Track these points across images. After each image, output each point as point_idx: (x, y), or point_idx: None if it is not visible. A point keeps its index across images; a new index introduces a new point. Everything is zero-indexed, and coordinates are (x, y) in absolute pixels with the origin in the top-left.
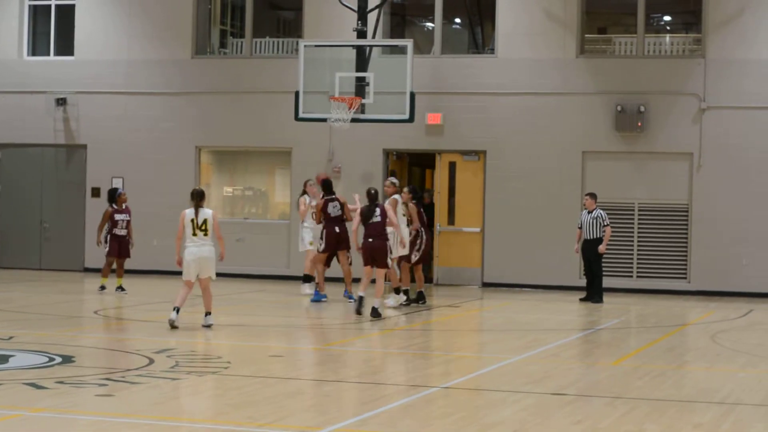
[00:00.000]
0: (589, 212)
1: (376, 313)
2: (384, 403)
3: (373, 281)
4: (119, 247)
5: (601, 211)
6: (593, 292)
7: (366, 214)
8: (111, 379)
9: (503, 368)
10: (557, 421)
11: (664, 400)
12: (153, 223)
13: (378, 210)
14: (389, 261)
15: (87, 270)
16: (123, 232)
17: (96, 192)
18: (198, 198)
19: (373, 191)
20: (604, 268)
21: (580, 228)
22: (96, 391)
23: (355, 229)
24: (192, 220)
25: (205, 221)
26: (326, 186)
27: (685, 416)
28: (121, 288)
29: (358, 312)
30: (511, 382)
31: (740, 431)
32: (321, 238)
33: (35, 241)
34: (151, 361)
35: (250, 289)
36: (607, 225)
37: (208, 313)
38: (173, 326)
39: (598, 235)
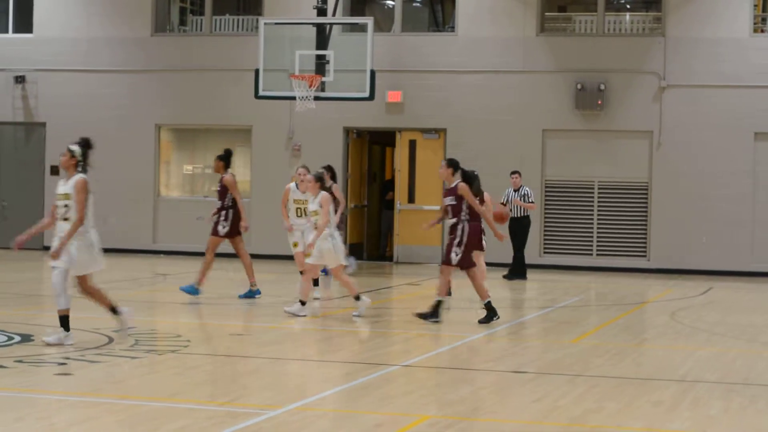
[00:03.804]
0: (515, 190)
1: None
2: (344, 382)
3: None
4: None
5: (528, 189)
6: (518, 268)
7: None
8: (70, 358)
9: (463, 346)
10: (517, 399)
11: (623, 377)
12: (112, 201)
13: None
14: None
15: (46, 248)
16: None
17: (55, 170)
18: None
19: (475, 172)
20: (560, 246)
21: (504, 204)
22: (55, 369)
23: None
24: None
25: None
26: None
27: (645, 394)
28: None
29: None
30: (470, 360)
31: (699, 408)
32: (226, 219)
33: None
34: (111, 340)
35: None
36: (533, 202)
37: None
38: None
39: (525, 213)
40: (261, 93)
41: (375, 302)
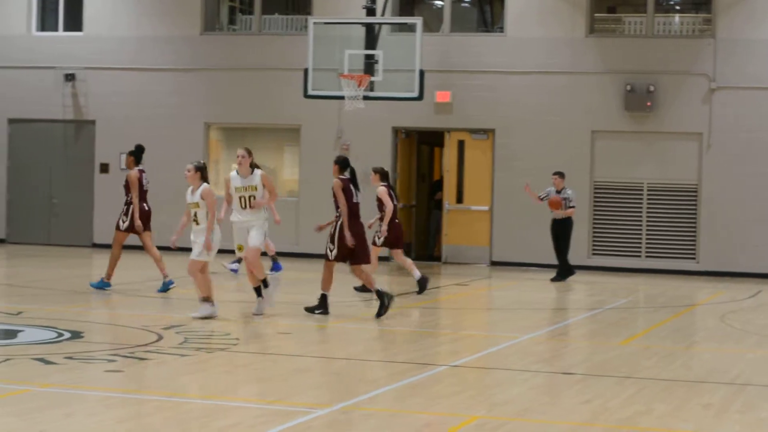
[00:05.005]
0: (557, 191)
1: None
2: (392, 381)
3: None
4: None
5: (570, 191)
6: (564, 269)
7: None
8: (120, 355)
9: (512, 347)
10: (566, 401)
11: (673, 380)
12: (161, 200)
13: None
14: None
15: (95, 245)
16: None
17: (104, 168)
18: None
19: (385, 169)
20: (609, 247)
21: (541, 199)
22: (105, 366)
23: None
24: None
25: None
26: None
27: (695, 396)
28: None
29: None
30: (519, 361)
31: (750, 411)
32: (126, 214)
33: (44, 216)
34: (160, 337)
35: None
36: (573, 207)
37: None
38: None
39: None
40: (310, 92)
41: (423, 302)
